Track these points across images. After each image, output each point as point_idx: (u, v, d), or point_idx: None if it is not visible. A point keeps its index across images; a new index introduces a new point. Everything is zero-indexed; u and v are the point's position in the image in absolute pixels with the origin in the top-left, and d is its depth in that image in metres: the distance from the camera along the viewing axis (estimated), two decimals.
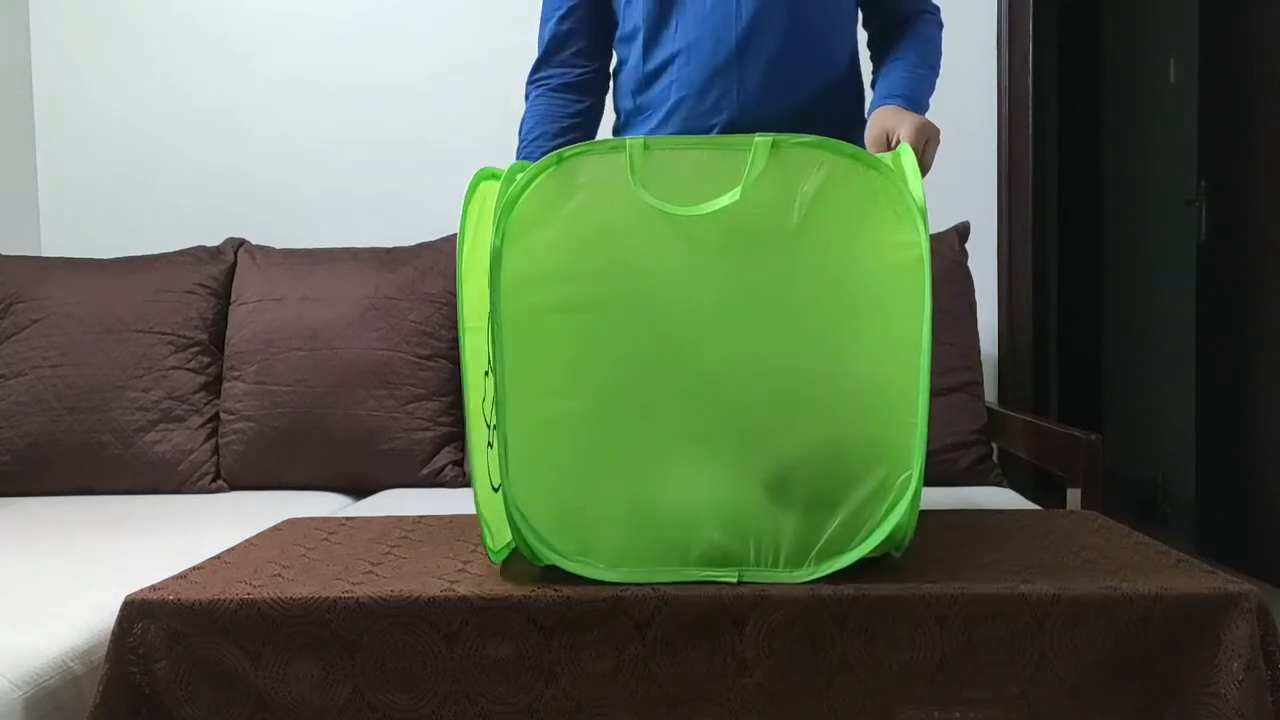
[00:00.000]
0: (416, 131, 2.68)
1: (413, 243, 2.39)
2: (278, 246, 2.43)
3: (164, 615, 1.01)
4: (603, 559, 1.06)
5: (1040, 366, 2.71)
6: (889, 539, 1.05)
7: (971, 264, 2.32)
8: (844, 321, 1.06)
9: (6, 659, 1.15)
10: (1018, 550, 1.16)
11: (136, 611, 1.02)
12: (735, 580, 1.04)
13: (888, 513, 1.04)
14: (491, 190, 1.13)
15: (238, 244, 2.44)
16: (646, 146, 1.06)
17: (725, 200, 1.05)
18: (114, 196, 2.74)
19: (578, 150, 1.07)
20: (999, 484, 2.13)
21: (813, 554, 1.05)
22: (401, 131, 2.69)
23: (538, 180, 1.06)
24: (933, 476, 2.13)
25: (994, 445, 2.22)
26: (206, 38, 2.71)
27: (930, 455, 2.04)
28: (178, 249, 2.42)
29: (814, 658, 0.99)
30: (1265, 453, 3.10)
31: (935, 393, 2.06)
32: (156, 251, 2.42)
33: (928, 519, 1.31)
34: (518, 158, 1.64)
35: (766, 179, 1.05)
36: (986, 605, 1.00)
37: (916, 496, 1.04)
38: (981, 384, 2.23)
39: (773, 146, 1.05)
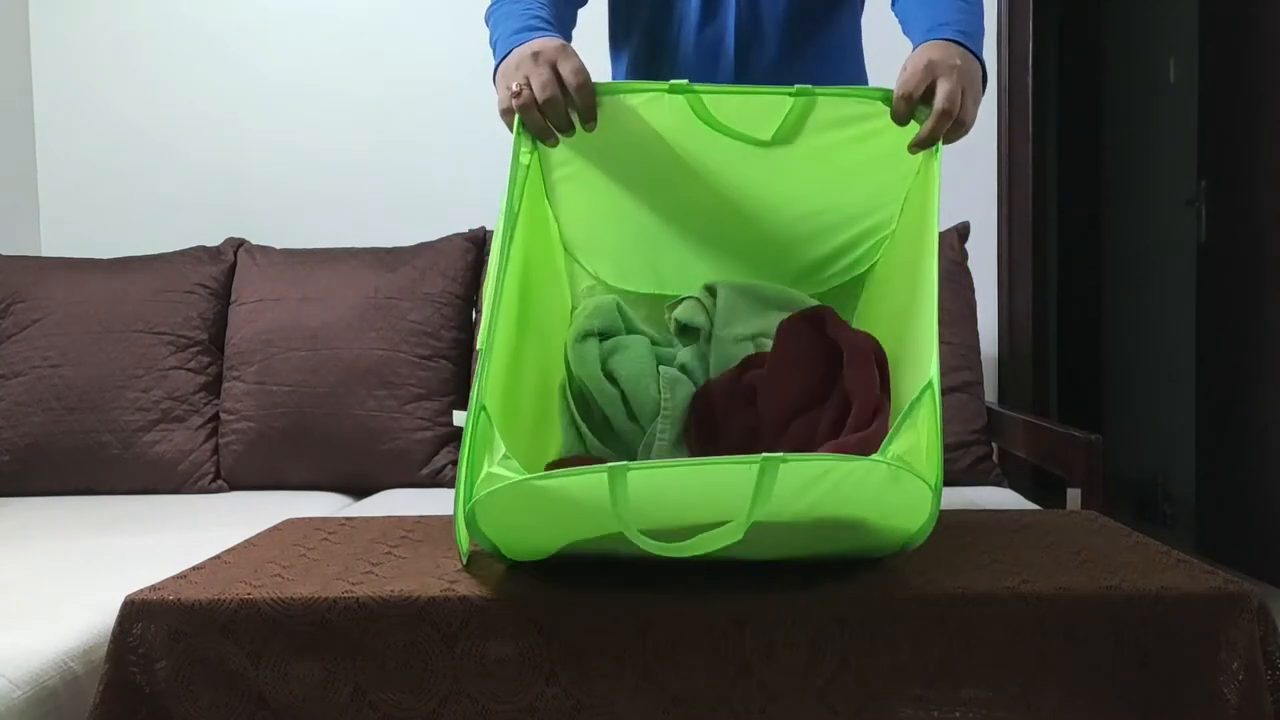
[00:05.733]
0: (417, 132, 2.68)
1: (413, 243, 2.40)
2: (278, 246, 2.43)
3: (164, 615, 1.01)
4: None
5: (1040, 366, 2.71)
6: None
7: (971, 264, 2.32)
8: None
9: (6, 659, 1.16)
10: (1018, 550, 1.16)
11: (136, 611, 1.02)
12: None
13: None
14: None
15: (238, 244, 2.44)
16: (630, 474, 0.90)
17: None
18: (114, 196, 2.74)
19: (560, 473, 0.94)
20: (999, 484, 2.13)
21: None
22: (401, 132, 2.69)
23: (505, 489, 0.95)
24: None
25: (994, 445, 2.22)
26: (207, 38, 2.71)
27: None
28: (178, 249, 2.42)
29: (814, 658, 0.99)
30: (1265, 453, 3.10)
31: None
32: (156, 251, 2.42)
33: None
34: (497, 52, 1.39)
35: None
36: (986, 605, 0.99)
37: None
38: (981, 384, 2.23)
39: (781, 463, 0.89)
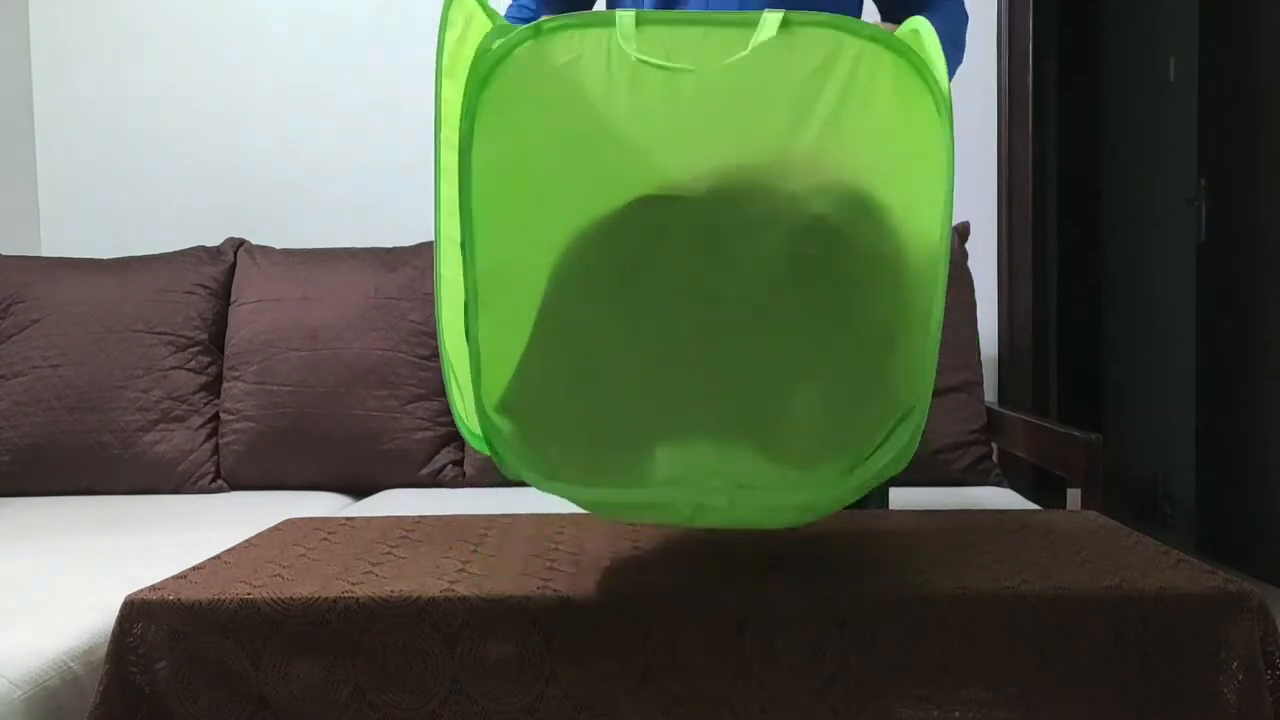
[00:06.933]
0: (417, 132, 2.68)
1: (413, 243, 2.40)
2: (278, 246, 2.43)
3: (164, 615, 1.01)
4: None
5: (1040, 366, 2.71)
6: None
7: (971, 264, 2.32)
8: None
9: (6, 659, 1.15)
10: (1018, 550, 1.16)
11: (136, 611, 1.02)
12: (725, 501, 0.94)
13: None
14: None
15: (238, 244, 2.44)
16: (639, 22, 0.96)
17: (733, 58, 0.95)
18: (114, 196, 2.74)
19: (559, 24, 0.96)
20: (999, 484, 2.13)
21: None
22: (401, 131, 2.69)
23: (513, 55, 0.94)
24: (933, 477, 2.13)
25: (994, 445, 2.22)
26: (207, 38, 2.71)
27: (930, 455, 2.04)
28: (178, 249, 2.42)
29: (814, 658, 0.99)
30: (1265, 453, 3.10)
31: (935, 393, 2.05)
32: (156, 251, 2.42)
33: (928, 519, 1.31)
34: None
35: (778, 47, 0.97)
36: (986, 605, 1.00)
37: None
38: (981, 384, 2.23)
39: (783, 24, 0.94)
